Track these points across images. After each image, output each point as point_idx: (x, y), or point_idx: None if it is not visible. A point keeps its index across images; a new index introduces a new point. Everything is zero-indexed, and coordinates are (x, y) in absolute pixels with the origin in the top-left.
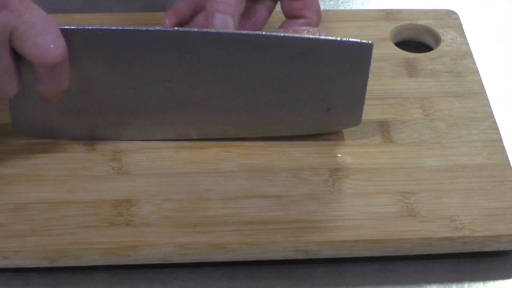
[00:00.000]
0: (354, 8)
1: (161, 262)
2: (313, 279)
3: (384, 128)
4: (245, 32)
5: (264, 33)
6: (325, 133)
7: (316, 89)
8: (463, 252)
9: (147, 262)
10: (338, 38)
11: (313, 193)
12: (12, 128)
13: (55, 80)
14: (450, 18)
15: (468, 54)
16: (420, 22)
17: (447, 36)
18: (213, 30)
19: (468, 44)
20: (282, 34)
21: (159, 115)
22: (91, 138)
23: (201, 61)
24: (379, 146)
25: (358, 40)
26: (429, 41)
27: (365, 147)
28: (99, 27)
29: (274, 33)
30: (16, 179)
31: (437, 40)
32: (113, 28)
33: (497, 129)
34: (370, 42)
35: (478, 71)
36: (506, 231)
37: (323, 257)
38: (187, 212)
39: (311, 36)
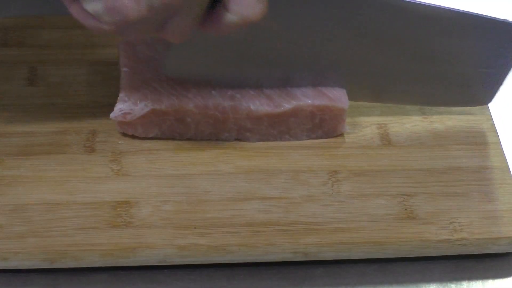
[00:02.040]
0: None
1: (160, 264)
2: (312, 280)
3: (383, 131)
4: (416, 1)
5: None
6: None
7: (461, 65)
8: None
9: (146, 264)
10: (494, 16)
11: (312, 195)
12: (164, 68)
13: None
14: None
15: None
16: None
17: None
18: None
19: None
20: (446, 7)
21: (310, 72)
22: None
23: (366, 22)
24: (378, 148)
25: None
26: None
27: (364, 149)
28: None
29: (438, 6)
30: (15, 180)
31: None
32: None
33: (496, 131)
34: None
35: None
36: (505, 233)
37: (322, 258)
38: (186, 214)
39: (471, 12)
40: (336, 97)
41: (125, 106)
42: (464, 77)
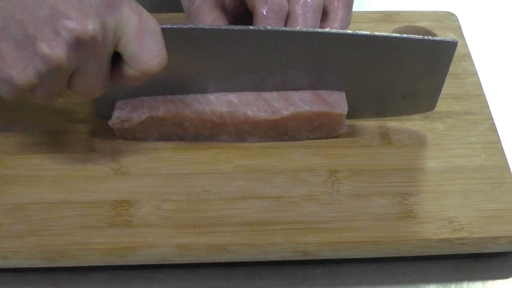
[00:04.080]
0: (352, 9)
1: (160, 263)
2: (312, 279)
3: (382, 130)
4: (335, 31)
5: (354, 32)
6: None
7: (396, 81)
8: (462, 253)
9: (146, 263)
10: (423, 37)
11: (312, 194)
12: (96, 112)
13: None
14: (449, 20)
15: (467, 56)
16: (419, 23)
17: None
18: (303, 29)
19: (467, 46)
20: (370, 34)
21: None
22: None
23: (288, 57)
24: (377, 148)
25: (443, 39)
26: None
27: (364, 149)
28: (193, 26)
29: (362, 33)
30: (15, 179)
31: None
32: (207, 27)
33: (496, 131)
34: (455, 40)
35: (477, 73)
36: (505, 232)
37: (322, 258)
38: (186, 213)
39: (398, 35)
40: (335, 102)
41: (122, 114)
42: (402, 90)
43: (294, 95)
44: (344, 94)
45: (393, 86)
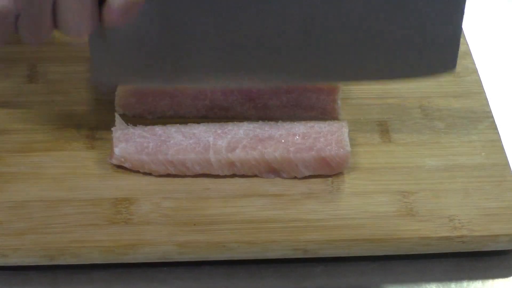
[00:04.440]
0: None
1: (160, 261)
2: (312, 278)
3: (383, 128)
4: None
5: None
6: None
7: (408, 29)
8: (462, 251)
9: (146, 261)
10: None
11: (312, 192)
12: (91, 78)
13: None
14: None
15: (467, 54)
16: None
17: None
18: None
19: (467, 44)
20: None
21: (242, 58)
22: (167, 82)
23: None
24: (378, 146)
25: None
26: None
27: (364, 147)
28: None
29: None
30: (15, 177)
31: None
32: None
33: (496, 129)
34: None
35: (477, 71)
36: (505, 230)
37: (322, 256)
38: (186, 211)
39: None
40: (338, 165)
41: (124, 154)
42: (417, 42)
43: (298, 161)
44: (349, 152)
45: (408, 35)
